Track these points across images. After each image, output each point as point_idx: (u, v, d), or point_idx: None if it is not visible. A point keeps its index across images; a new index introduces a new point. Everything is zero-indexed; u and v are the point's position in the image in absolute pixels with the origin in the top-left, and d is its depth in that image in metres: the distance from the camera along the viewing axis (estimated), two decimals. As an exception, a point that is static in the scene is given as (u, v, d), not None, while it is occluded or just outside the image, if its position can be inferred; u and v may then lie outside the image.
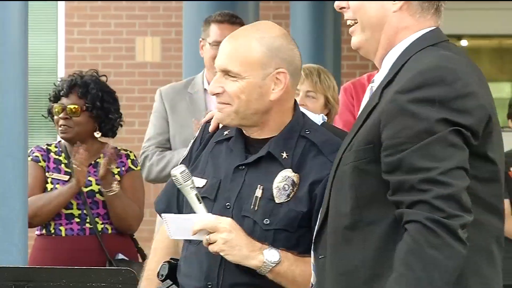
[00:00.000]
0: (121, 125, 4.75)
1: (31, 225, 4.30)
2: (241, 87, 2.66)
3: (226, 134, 2.79)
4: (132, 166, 4.78)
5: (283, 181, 2.67)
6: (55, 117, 4.72)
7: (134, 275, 2.93)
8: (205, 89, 4.90)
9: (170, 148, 5.03)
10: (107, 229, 4.49)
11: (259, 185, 2.64)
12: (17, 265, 3.52)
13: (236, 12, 5.65)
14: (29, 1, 4.44)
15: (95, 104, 4.66)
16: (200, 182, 2.76)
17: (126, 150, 4.90)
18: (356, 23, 2.28)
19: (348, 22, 2.28)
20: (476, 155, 2.03)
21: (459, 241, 1.95)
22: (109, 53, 9.61)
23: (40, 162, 4.46)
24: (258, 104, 2.66)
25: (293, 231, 2.64)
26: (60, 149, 4.73)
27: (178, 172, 2.62)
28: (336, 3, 2.34)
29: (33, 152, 4.49)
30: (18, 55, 4.23)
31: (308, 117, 2.85)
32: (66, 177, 4.65)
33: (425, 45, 2.15)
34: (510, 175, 5.67)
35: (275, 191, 2.65)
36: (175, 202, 2.86)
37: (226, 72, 2.65)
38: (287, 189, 2.66)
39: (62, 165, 4.52)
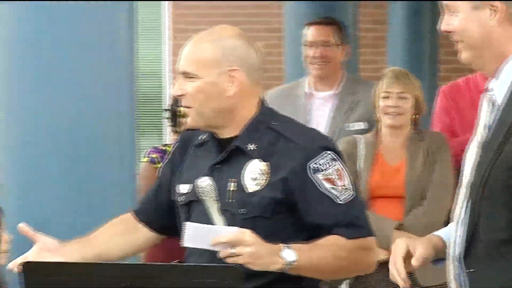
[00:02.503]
0: None
1: None
2: (199, 87, 2.68)
3: (202, 138, 2.81)
4: None
5: (251, 171, 2.69)
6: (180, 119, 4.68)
7: (241, 272, 2.59)
8: (308, 93, 4.90)
9: None
10: None
11: (230, 179, 2.66)
12: (131, 262, 3.22)
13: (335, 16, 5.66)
14: (136, 1, 4.40)
15: None
16: (185, 188, 2.79)
17: None
18: (462, 42, 2.29)
19: (454, 39, 2.33)
20: None
21: None
22: (212, 57, 9.77)
23: (156, 163, 4.39)
24: (217, 102, 2.69)
25: (269, 216, 2.66)
26: None
27: (205, 184, 2.65)
28: (441, 27, 2.36)
29: (150, 153, 4.47)
30: (125, 60, 4.12)
31: (278, 112, 2.87)
32: None
33: None
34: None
35: (246, 182, 2.66)
36: (148, 207, 2.95)
37: (186, 75, 2.69)
38: (256, 178, 2.68)
39: None
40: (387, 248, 3.94)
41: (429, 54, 9.26)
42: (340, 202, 2.67)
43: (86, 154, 3.54)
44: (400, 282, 2.83)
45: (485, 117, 2.36)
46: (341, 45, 4.89)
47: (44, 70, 3.76)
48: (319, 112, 4.92)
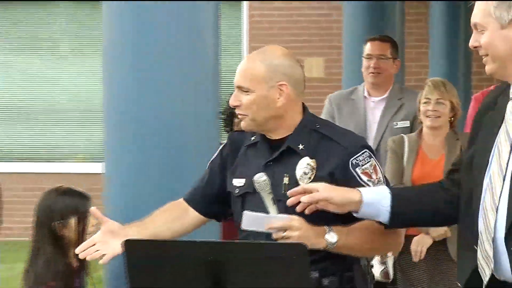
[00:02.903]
0: None
1: None
2: (252, 99, 2.89)
3: (253, 139, 3.02)
4: None
5: (303, 167, 2.88)
6: None
7: (306, 248, 2.83)
8: (364, 97, 5.30)
9: None
10: None
11: (285, 174, 2.87)
12: (214, 240, 3.42)
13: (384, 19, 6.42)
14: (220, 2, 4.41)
15: None
16: (240, 182, 3.00)
17: None
18: (488, 55, 2.49)
19: (481, 53, 2.53)
20: None
21: None
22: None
23: None
24: (268, 111, 2.89)
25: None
26: None
27: (262, 180, 2.82)
28: (470, 43, 2.56)
29: None
30: (211, 62, 3.99)
31: (318, 116, 3.13)
32: None
33: None
34: None
35: (298, 176, 2.87)
36: (198, 195, 3.12)
37: (240, 88, 2.90)
38: (307, 173, 2.89)
39: None
40: (426, 232, 4.67)
41: (464, 67, 9.54)
42: None
43: (178, 149, 3.57)
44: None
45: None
46: (394, 59, 5.26)
47: (139, 72, 3.77)
48: (373, 111, 5.32)
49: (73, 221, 3.60)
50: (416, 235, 4.73)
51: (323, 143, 2.91)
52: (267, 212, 2.82)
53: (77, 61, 10.62)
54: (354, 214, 2.73)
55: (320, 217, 2.76)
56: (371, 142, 5.16)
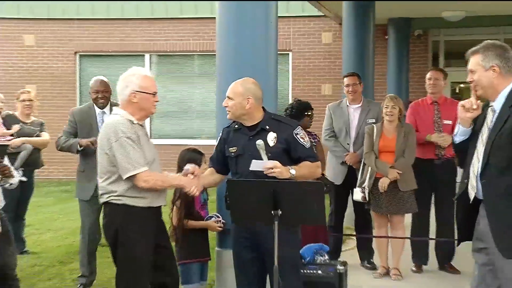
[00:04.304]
0: None
1: None
2: (234, 104, 3.83)
3: (237, 126, 3.90)
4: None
5: (270, 137, 3.81)
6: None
7: (322, 184, 3.59)
8: (347, 105, 6.78)
9: (335, 136, 6.74)
10: None
11: (260, 140, 3.78)
12: (272, 180, 3.77)
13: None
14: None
15: None
16: (233, 149, 3.91)
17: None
18: (478, 85, 3.29)
19: (473, 84, 3.34)
20: None
21: None
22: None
23: None
24: (241, 110, 3.81)
25: (281, 156, 3.80)
26: None
27: (261, 143, 3.71)
28: (467, 79, 3.38)
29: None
30: (273, 61, 4.73)
31: (272, 112, 3.97)
32: None
33: None
34: None
35: (268, 141, 3.79)
36: (220, 158, 4.01)
37: (229, 97, 3.82)
38: (273, 139, 3.82)
39: None
40: (386, 175, 6.02)
41: (405, 87, 11.50)
42: (307, 147, 3.92)
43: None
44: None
45: (489, 120, 3.30)
46: (360, 84, 6.79)
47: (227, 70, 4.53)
48: (354, 114, 6.78)
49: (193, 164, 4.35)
50: (381, 177, 6.13)
51: (279, 125, 3.87)
52: (261, 159, 3.74)
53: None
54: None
55: (286, 162, 3.76)
56: (353, 131, 6.68)
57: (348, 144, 6.72)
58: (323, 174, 6.01)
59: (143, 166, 3.74)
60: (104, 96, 5.83)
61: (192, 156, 4.55)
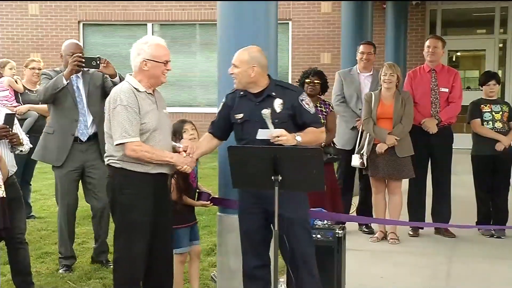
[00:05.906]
0: None
1: None
2: (239, 71, 3.74)
3: (242, 93, 3.83)
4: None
5: (277, 103, 3.73)
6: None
7: (321, 149, 3.48)
8: (358, 73, 6.81)
9: (345, 101, 6.73)
10: None
11: (267, 107, 3.68)
12: (274, 146, 3.68)
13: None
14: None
15: None
16: (239, 116, 3.82)
17: None
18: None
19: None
20: None
21: None
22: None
23: None
24: (247, 79, 3.74)
25: (287, 121, 3.72)
26: None
27: (267, 112, 3.62)
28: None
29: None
30: (274, 54, 4.50)
31: (276, 79, 3.83)
32: None
33: None
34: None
35: (275, 108, 3.70)
36: (222, 124, 3.92)
37: (234, 65, 3.73)
38: (280, 105, 3.74)
39: None
40: (384, 141, 6.01)
41: (403, 56, 11.44)
42: (312, 113, 3.83)
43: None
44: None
45: None
46: (374, 54, 6.81)
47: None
48: (365, 81, 6.82)
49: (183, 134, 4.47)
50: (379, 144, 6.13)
51: (285, 91, 3.80)
52: (268, 128, 3.65)
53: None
54: None
55: (292, 128, 3.70)
56: (363, 97, 6.53)
57: (360, 109, 6.66)
58: (334, 144, 6.02)
59: (133, 136, 3.71)
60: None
61: (174, 128, 4.38)
